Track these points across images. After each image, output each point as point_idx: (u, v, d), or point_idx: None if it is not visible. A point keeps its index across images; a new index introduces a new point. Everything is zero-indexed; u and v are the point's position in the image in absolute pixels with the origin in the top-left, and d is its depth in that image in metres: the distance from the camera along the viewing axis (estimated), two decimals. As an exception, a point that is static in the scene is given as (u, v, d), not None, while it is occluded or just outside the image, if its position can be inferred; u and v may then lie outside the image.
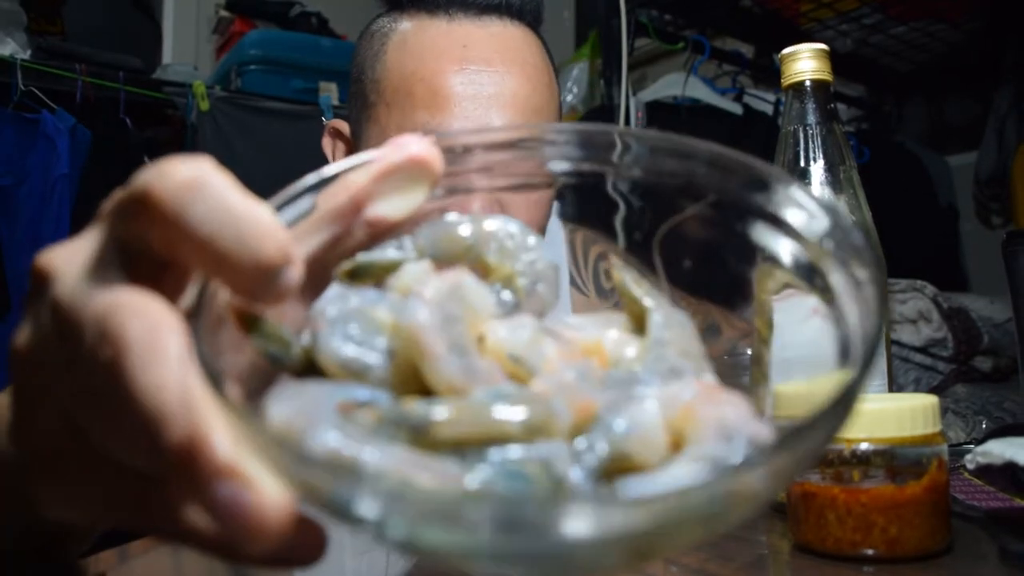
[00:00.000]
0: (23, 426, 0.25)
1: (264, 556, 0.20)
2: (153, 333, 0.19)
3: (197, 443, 0.18)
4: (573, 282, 0.80)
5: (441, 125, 0.65)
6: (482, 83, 0.65)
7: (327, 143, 0.78)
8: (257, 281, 0.20)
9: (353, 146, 0.74)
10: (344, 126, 0.76)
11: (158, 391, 0.19)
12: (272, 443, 0.18)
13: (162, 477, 0.20)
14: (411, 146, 0.25)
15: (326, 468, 0.18)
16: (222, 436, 0.19)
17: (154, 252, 0.21)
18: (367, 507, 0.17)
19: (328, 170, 0.26)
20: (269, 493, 0.18)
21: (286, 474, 0.18)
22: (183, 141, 1.93)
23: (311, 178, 0.26)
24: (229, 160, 1.85)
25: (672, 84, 1.94)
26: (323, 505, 0.18)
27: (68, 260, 0.22)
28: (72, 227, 1.72)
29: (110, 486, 0.23)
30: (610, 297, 0.90)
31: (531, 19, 0.72)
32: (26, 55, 1.78)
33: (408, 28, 0.68)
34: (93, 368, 0.20)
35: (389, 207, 0.25)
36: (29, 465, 0.24)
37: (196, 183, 0.20)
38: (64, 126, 1.72)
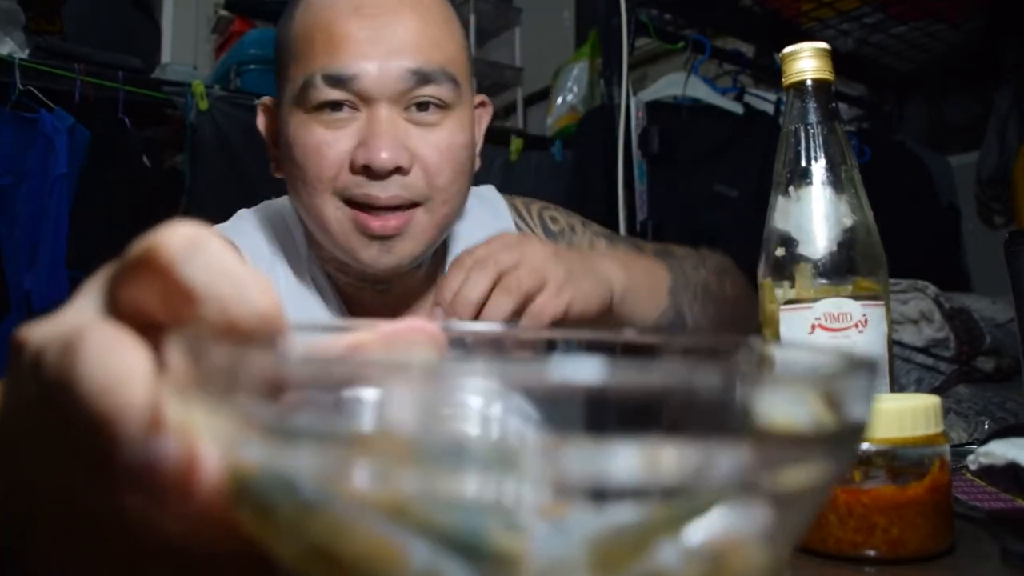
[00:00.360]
0: (5, 486, 0.24)
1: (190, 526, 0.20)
2: (112, 338, 0.20)
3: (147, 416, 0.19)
4: (519, 227, 0.87)
5: (337, 65, 0.69)
6: (375, 25, 0.70)
7: (260, 121, 0.81)
8: (254, 329, 0.21)
9: (274, 113, 0.78)
10: (272, 102, 0.80)
11: (104, 374, 0.19)
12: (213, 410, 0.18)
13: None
14: (420, 323, 0.26)
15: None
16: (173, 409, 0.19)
17: (139, 312, 0.22)
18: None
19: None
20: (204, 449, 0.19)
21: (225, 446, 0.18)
22: (182, 141, 1.93)
23: (312, 334, 0.27)
24: (228, 160, 1.85)
25: (673, 84, 1.94)
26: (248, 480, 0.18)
27: (46, 324, 0.23)
28: (71, 226, 1.72)
29: (84, 547, 0.23)
30: (557, 238, 0.96)
31: None
32: (25, 54, 1.78)
33: None
34: (56, 398, 0.20)
35: None
36: (10, 519, 0.24)
37: (196, 241, 0.22)
38: (63, 126, 1.72)
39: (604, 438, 0.15)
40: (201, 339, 0.19)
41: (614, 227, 1.88)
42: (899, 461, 0.43)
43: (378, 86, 0.69)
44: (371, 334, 0.25)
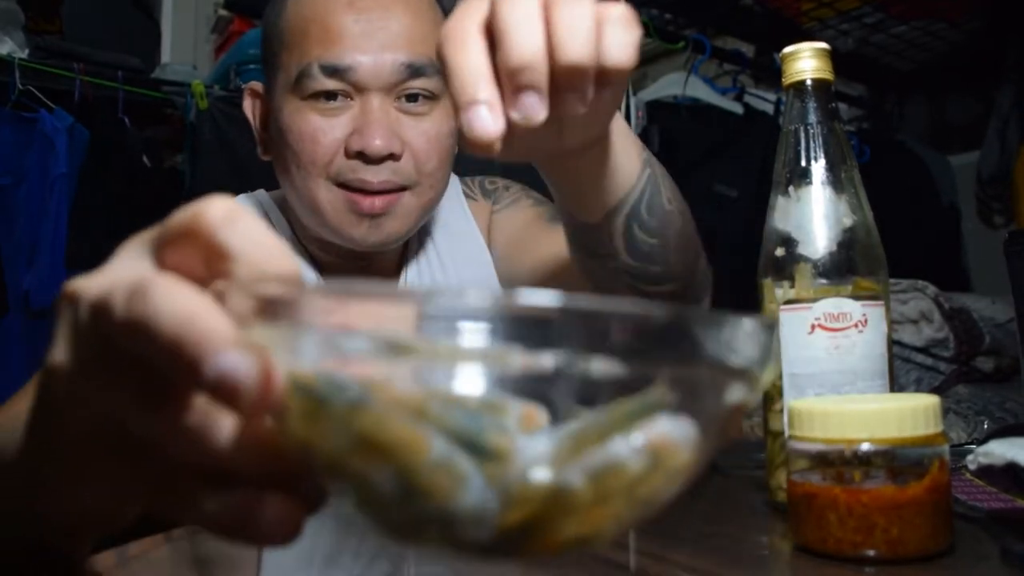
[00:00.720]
0: (61, 433, 0.28)
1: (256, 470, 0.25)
2: (176, 282, 0.24)
3: (209, 331, 0.23)
4: (466, 195, 0.94)
5: (333, 56, 0.73)
6: (369, 19, 0.74)
7: (248, 105, 0.85)
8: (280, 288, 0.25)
9: (266, 101, 0.81)
10: (260, 87, 0.83)
11: (181, 310, 0.23)
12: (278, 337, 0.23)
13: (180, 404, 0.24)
14: None
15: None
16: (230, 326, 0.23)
17: (181, 269, 0.26)
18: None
19: None
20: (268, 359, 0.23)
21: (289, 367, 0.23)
22: (182, 141, 1.93)
23: None
24: (228, 159, 1.85)
25: (673, 83, 1.94)
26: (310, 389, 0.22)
27: (97, 278, 0.26)
28: (70, 226, 1.72)
29: (138, 474, 0.27)
30: (491, 195, 0.94)
31: None
32: (24, 54, 1.77)
33: None
34: (124, 341, 0.24)
35: None
36: (65, 463, 0.28)
37: (234, 212, 0.25)
38: (62, 125, 1.72)
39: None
40: (260, 282, 0.24)
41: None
42: (899, 461, 0.43)
43: (372, 77, 0.73)
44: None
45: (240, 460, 0.25)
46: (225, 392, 0.22)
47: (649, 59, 2.38)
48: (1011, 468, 0.47)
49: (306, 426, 0.23)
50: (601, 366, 0.21)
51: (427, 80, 0.76)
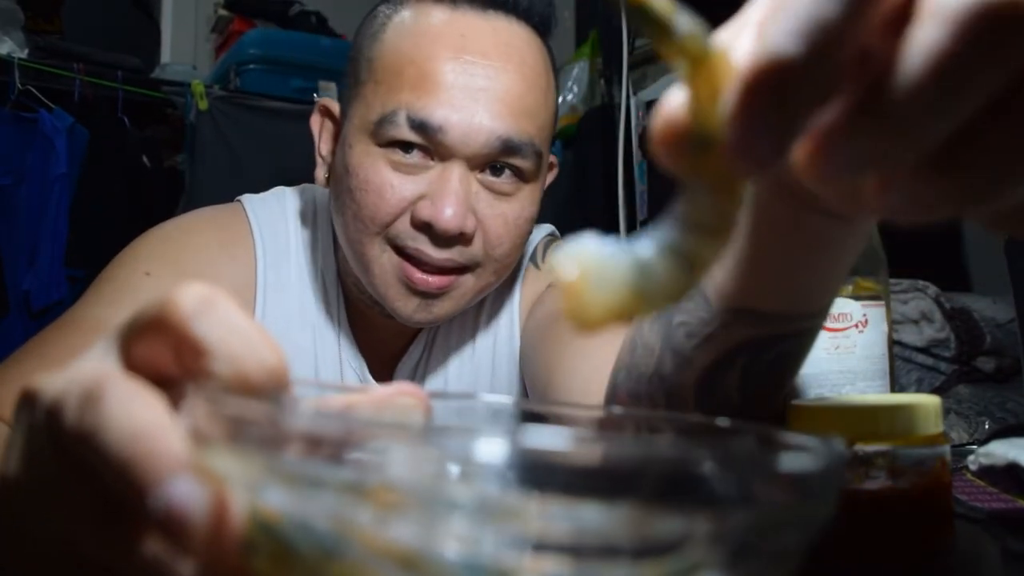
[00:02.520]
0: (13, 559, 0.25)
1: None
2: (132, 389, 0.21)
3: (171, 456, 0.20)
4: (532, 259, 0.83)
5: (425, 109, 0.63)
6: (474, 74, 0.64)
7: (315, 121, 0.76)
8: (262, 383, 0.23)
9: (340, 125, 0.72)
10: (334, 105, 0.75)
11: (132, 423, 0.20)
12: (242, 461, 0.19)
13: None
14: (410, 387, 0.27)
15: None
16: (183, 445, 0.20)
17: (151, 366, 0.24)
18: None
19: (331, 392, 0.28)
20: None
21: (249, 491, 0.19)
22: (181, 140, 1.93)
23: (311, 390, 0.28)
24: (228, 160, 1.85)
25: (673, 83, 1.94)
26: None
27: (58, 376, 0.24)
28: (70, 226, 1.72)
29: None
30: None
31: (538, 22, 0.71)
32: (24, 54, 1.78)
33: (410, 12, 0.68)
34: (76, 448, 0.21)
35: None
36: None
37: (209, 300, 0.23)
38: (62, 125, 1.72)
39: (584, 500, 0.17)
40: (226, 393, 0.21)
41: (614, 227, 1.87)
42: (899, 461, 0.43)
43: (461, 144, 0.64)
44: (364, 396, 0.26)
45: None
46: (173, 525, 0.20)
47: (649, 59, 2.38)
48: (1012, 468, 0.47)
49: (272, 568, 0.20)
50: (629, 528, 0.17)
51: (521, 160, 0.66)
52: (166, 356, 0.24)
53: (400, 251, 0.67)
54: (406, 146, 0.65)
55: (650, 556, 0.17)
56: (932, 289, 1.22)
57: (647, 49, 2.20)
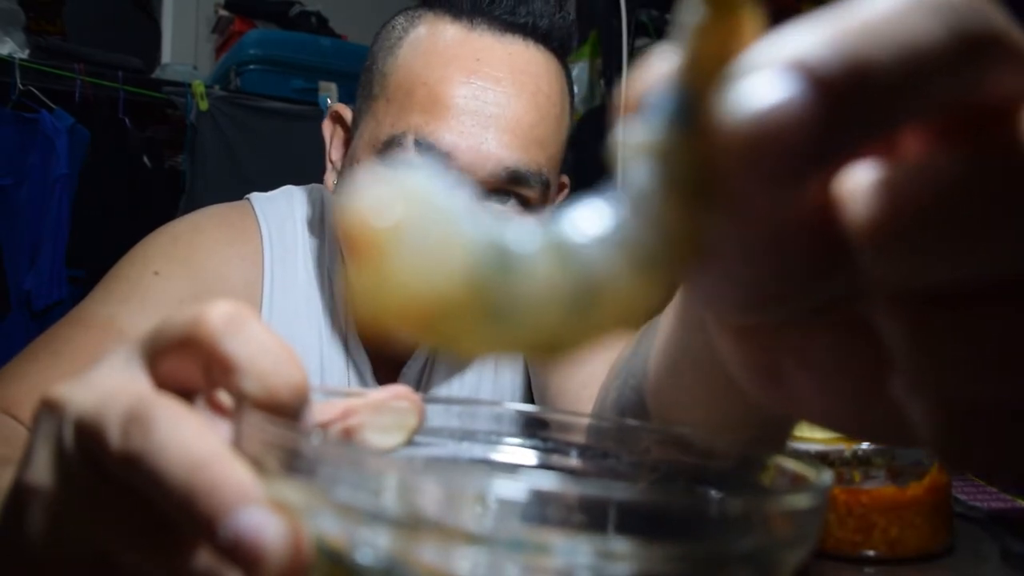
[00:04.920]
0: (41, 559, 0.24)
1: None
2: (180, 413, 0.21)
3: (231, 485, 0.20)
4: None
5: (434, 133, 0.62)
6: (486, 100, 0.63)
7: (327, 126, 0.76)
8: (289, 401, 0.23)
9: (351, 134, 0.72)
10: (347, 112, 0.74)
11: (191, 451, 0.20)
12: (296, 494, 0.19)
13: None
14: (405, 391, 0.27)
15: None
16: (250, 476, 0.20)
17: (178, 381, 0.24)
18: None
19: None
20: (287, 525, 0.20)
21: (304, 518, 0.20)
22: (182, 141, 1.93)
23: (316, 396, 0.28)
24: (228, 160, 1.85)
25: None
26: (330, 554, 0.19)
27: (83, 387, 0.23)
28: (71, 226, 1.72)
29: None
30: None
31: (557, 46, 0.69)
32: (25, 54, 1.78)
33: (427, 28, 0.67)
34: (119, 472, 0.21)
35: (372, 438, 0.27)
36: None
37: (238, 318, 0.23)
38: (63, 126, 1.72)
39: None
40: (273, 422, 0.21)
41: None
42: (898, 461, 0.43)
43: (467, 171, 0.63)
44: (361, 401, 0.27)
45: None
46: (243, 555, 0.19)
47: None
48: (1010, 468, 0.47)
49: None
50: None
51: (528, 189, 0.65)
52: (193, 371, 0.24)
53: None
54: None
55: None
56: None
57: (647, 49, 2.21)
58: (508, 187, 0.65)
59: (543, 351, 0.16)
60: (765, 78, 0.14)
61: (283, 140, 1.85)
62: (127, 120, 1.84)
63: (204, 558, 0.22)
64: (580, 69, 2.41)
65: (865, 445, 0.44)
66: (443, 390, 0.79)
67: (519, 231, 0.15)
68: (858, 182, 0.15)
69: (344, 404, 0.27)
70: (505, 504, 0.17)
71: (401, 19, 0.70)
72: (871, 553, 0.43)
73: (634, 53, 1.73)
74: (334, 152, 0.75)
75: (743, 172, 0.14)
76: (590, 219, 0.15)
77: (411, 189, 0.15)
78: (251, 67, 2.04)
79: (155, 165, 1.96)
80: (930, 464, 0.43)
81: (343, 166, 0.73)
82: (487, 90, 0.63)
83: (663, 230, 0.15)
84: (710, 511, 0.18)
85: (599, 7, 1.78)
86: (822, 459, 0.45)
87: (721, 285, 0.18)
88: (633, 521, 0.17)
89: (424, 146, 0.63)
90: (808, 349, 0.19)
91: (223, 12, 2.39)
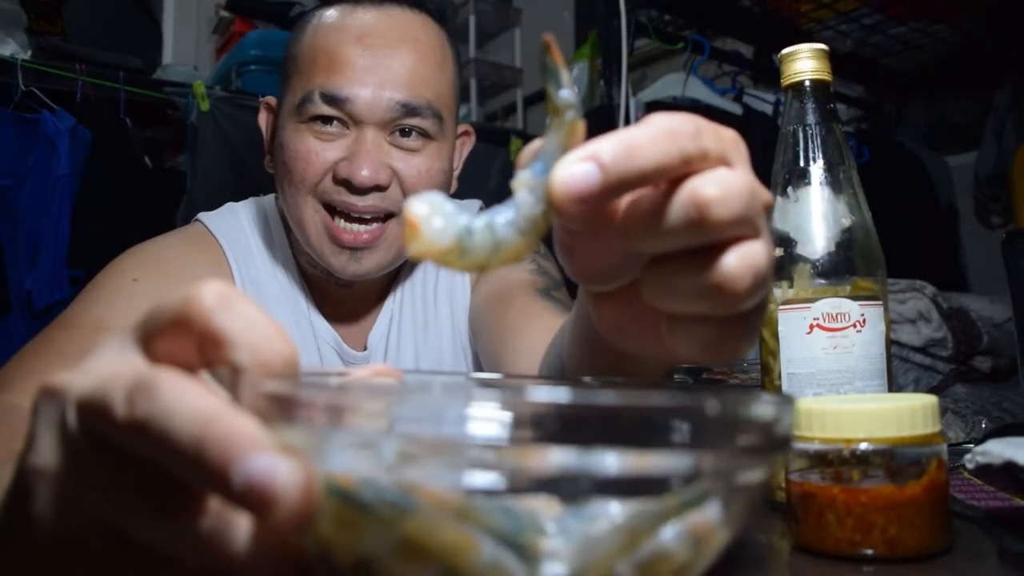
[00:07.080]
0: (36, 546, 0.25)
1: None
2: (182, 378, 0.22)
3: (238, 437, 0.21)
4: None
5: (335, 85, 0.76)
6: (375, 54, 0.77)
7: (262, 118, 0.89)
8: (281, 371, 0.24)
9: (276, 114, 0.85)
10: (275, 102, 0.87)
11: (198, 408, 0.21)
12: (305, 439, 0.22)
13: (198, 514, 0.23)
14: (385, 368, 0.30)
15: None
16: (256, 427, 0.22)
17: (172, 360, 0.25)
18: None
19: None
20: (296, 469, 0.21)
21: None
22: (183, 141, 1.93)
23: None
24: (229, 160, 1.85)
25: (672, 84, 1.94)
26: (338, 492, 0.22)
27: (81, 374, 0.24)
28: (72, 226, 1.72)
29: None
30: None
31: (430, 9, 0.84)
32: (26, 55, 1.78)
33: (322, 14, 0.81)
34: (127, 442, 0.22)
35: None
36: (56, 568, 0.26)
37: (228, 296, 0.25)
38: (64, 126, 1.72)
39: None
40: (268, 376, 0.23)
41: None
42: (897, 460, 0.44)
43: (368, 111, 0.77)
44: (346, 378, 0.30)
45: (255, 563, 0.23)
46: (256, 499, 0.20)
47: (649, 59, 2.39)
48: (1009, 467, 0.47)
49: (336, 530, 0.22)
50: (659, 460, 0.21)
51: (422, 120, 0.79)
52: (186, 350, 0.25)
53: (329, 207, 0.78)
54: (325, 120, 0.77)
55: (667, 490, 0.22)
56: (929, 289, 1.23)
57: (647, 49, 2.21)
58: (406, 120, 0.78)
59: (480, 270, 0.30)
60: (579, 159, 0.27)
61: (283, 140, 1.85)
62: (128, 120, 1.84)
63: (209, 520, 0.23)
64: (580, 69, 2.41)
65: (864, 445, 0.44)
66: (408, 345, 0.91)
67: (476, 220, 0.30)
68: (623, 203, 0.29)
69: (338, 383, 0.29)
70: (500, 423, 0.21)
71: (307, 17, 0.84)
72: (870, 552, 0.43)
73: (634, 53, 1.73)
74: (269, 137, 0.87)
75: (564, 203, 0.27)
76: (503, 213, 0.30)
77: (432, 202, 0.30)
78: (252, 67, 2.04)
79: (156, 165, 1.96)
80: (928, 463, 0.44)
81: (270, 140, 0.85)
82: (375, 47, 0.77)
83: (533, 220, 0.30)
84: (692, 414, 0.22)
85: (599, 7, 1.78)
86: (821, 459, 0.45)
87: (579, 267, 0.33)
88: (616, 432, 0.21)
89: (328, 96, 0.77)
90: (633, 304, 0.32)
91: (224, 13, 2.39)
